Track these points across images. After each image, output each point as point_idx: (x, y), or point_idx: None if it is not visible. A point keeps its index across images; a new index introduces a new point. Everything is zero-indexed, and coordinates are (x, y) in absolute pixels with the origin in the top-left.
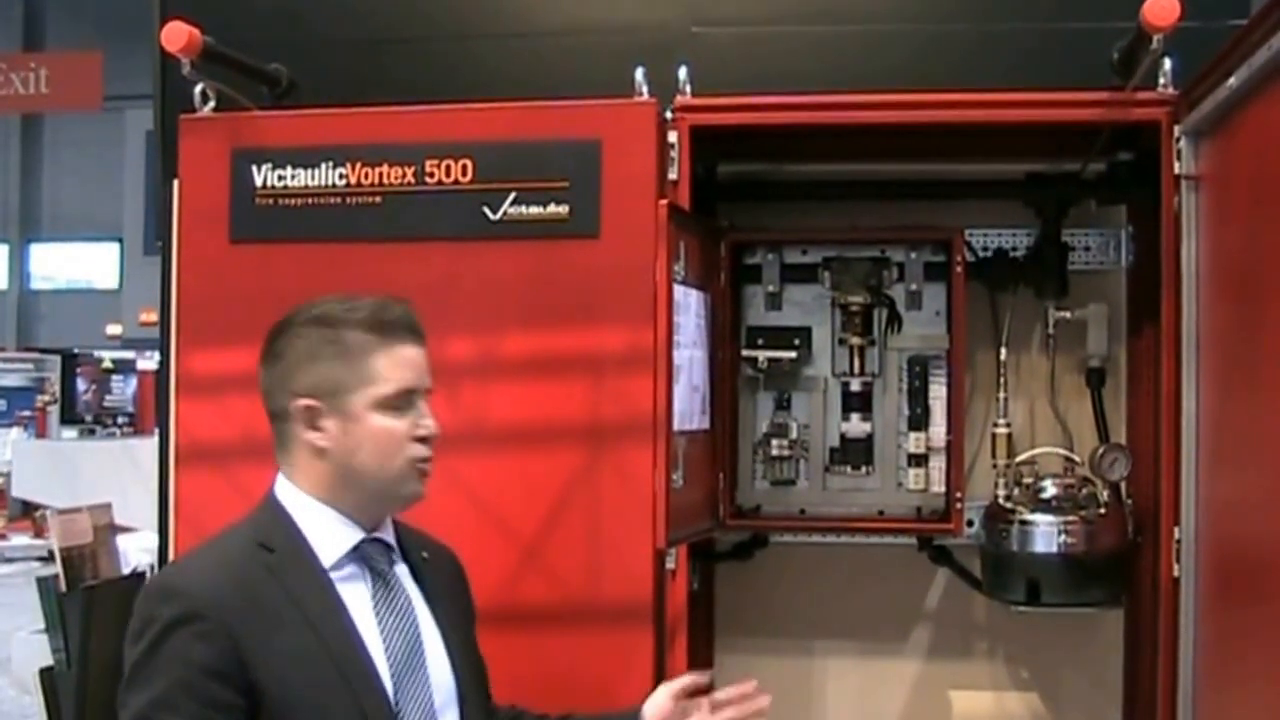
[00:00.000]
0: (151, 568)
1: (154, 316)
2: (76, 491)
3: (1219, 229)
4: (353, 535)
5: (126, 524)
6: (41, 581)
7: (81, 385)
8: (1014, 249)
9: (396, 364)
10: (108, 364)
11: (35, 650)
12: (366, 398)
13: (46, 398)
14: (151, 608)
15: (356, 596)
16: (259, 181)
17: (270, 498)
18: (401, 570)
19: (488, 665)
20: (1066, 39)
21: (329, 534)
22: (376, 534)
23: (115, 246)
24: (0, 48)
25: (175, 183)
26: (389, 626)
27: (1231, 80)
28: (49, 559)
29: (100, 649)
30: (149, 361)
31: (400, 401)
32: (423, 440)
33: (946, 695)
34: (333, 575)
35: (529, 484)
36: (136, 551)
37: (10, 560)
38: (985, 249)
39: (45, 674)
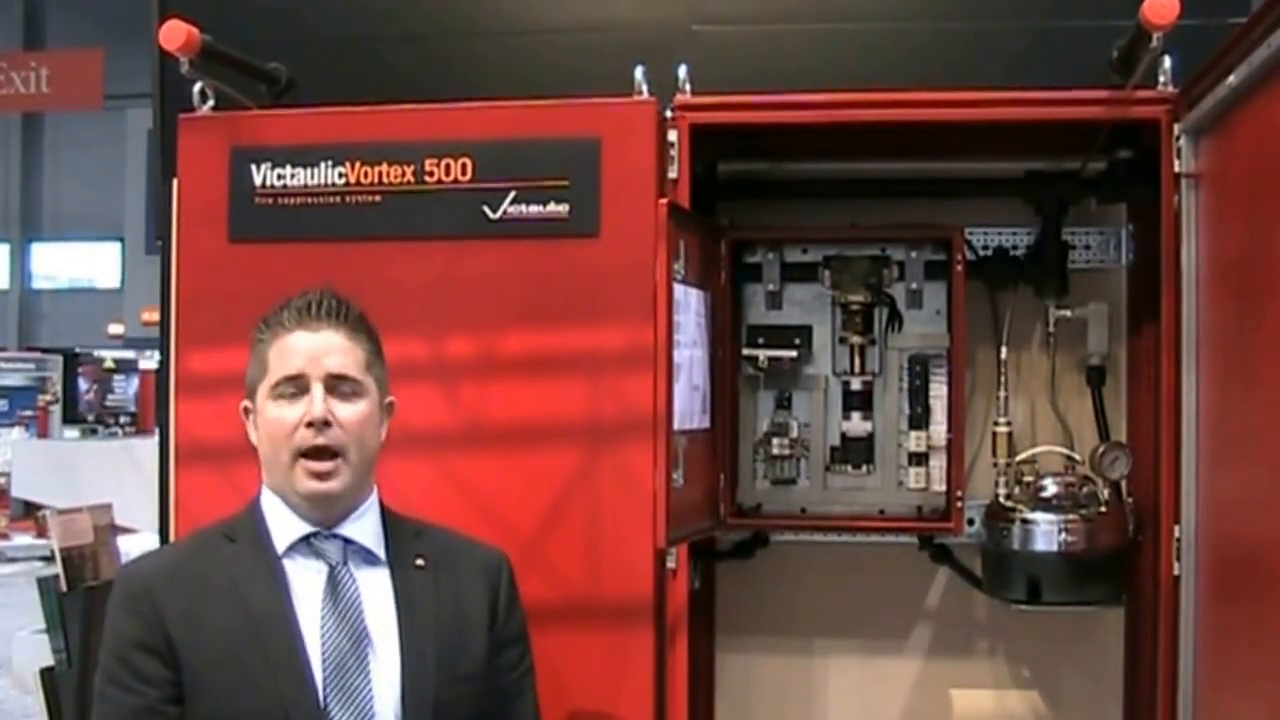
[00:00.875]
0: None
1: (156, 316)
2: (77, 492)
3: (1219, 227)
4: (301, 528)
5: (127, 524)
6: (42, 582)
7: (83, 385)
8: (1014, 247)
9: (282, 352)
10: (109, 364)
11: (36, 650)
12: (263, 390)
13: (48, 397)
14: (112, 592)
15: (308, 590)
16: (258, 181)
17: (255, 496)
18: (367, 570)
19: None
20: (1066, 37)
21: (283, 525)
22: (336, 529)
23: (117, 246)
24: (1, 46)
25: (174, 182)
26: (329, 624)
27: (1231, 78)
28: (52, 559)
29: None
30: (151, 361)
31: (288, 389)
32: (310, 426)
33: (947, 694)
34: (288, 565)
35: (528, 483)
36: (139, 553)
37: (13, 560)
38: (985, 247)
39: (46, 674)
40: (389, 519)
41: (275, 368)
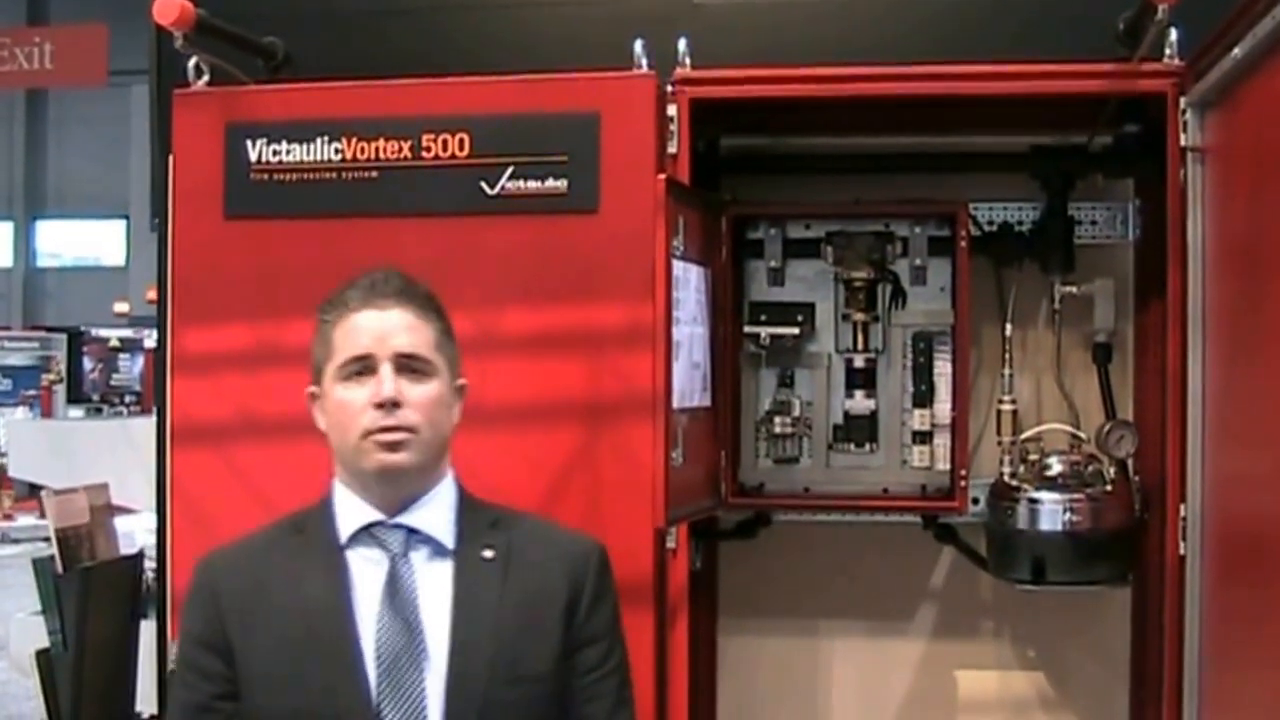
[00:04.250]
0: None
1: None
2: (75, 471)
3: (1225, 201)
4: (364, 516)
5: (125, 504)
6: (38, 563)
7: (88, 364)
8: (1019, 223)
9: (347, 333)
10: (114, 342)
11: (33, 632)
12: (330, 373)
13: (52, 376)
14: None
15: (369, 582)
16: (254, 157)
17: (329, 486)
18: (431, 562)
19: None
20: (1072, 10)
21: (349, 514)
22: (400, 518)
23: (122, 223)
24: (4, 22)
25: (170, 158)
26: (385, 619)
27: (1236, 51)
28: None
29: (97, 631)
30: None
31: (353, 369)
32: (379, 407)
33: (952, 675)
34: (350, 557)
35: (527, 462)
36: (143, 533)
37: (16, 541)
38: (990, 223)
39: (42, 656)
40: (467, 507)
41: (341, 348)
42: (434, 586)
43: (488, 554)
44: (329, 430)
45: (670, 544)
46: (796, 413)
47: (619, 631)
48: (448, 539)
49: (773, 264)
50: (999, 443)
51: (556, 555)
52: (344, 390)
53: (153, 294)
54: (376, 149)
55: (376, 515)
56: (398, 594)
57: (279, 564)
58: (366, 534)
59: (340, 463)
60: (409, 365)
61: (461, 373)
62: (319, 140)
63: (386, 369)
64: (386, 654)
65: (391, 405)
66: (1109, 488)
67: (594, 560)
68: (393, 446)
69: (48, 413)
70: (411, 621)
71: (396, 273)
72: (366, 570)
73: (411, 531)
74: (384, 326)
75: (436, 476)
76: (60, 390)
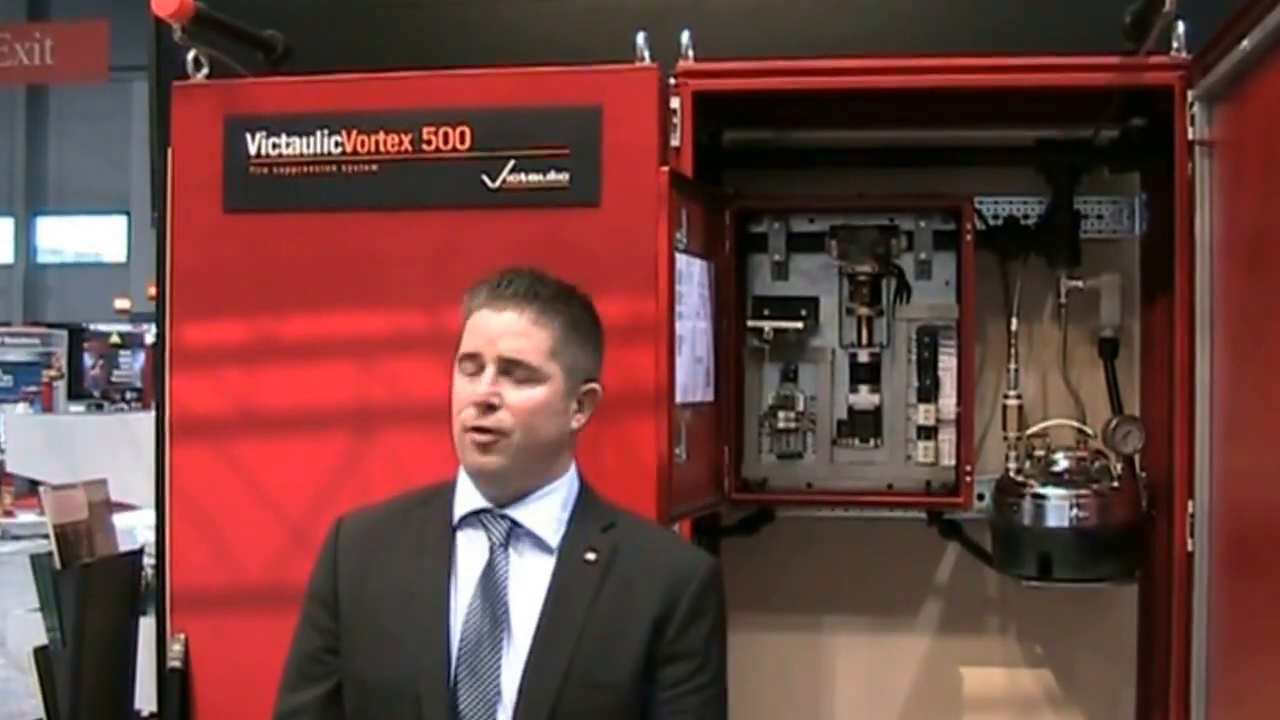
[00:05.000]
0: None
1: None
2: (73, 467)
3: (1233, 195)
4: (474, 502)
5: (125, 500)
6: (36, 559)
7: (89, 360)
8: (1025, 217)
9: (471, 326)
10: (115, 339)
11: (31, 628)
12: (456, 361)
13: (53, 373)
14: None
15: (472, 565)
16: (253, 150)
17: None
18: (532, 556)
19: None
20: (1078, 2)
21: (465, 496)
22: (506, 510)
23: (123, 219)
24: (5, 18)
25: (169, 152)
26: (476, 603)
27: (1245, 43)
28: None
29: (96, 628)
30: None
31: (467, 365)
32: (476, 406)
33: (957, 672)
34: (460, 538)
35: None
36: (143, 529)
37: (17, 538)
38: (996, 217)
39: (39, 653)
40: (584, 507)
41: (464, 341)
42: (530, 580)
43: (590, 556)
44: None
45: None
46: (800, 408)
47: (715, 652)
48: (551, 536)
49: (776, 258)
50: (1004, 438)
51: (660, 567)
52: (459, 381)
53: (154, 290)
54: (377, 142)
55: (485, 503)
56: (491, 582)
57: (399, 535)
58: (475, 519)
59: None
60: (513, 370)
61: (600, 376)
62: (319, 133)
63: (489, 371)
64: (469, 638)
65: (486, 408)
66: (1115, 484)
67: (699, 579)
68: (483, 448)
69: (48, 409)
70: (498, 610)
71: (528, 272)
72: (471, 554)
73: (515, 524)
74: (495, 328)
75: (550, 474)
76: (61, 386)
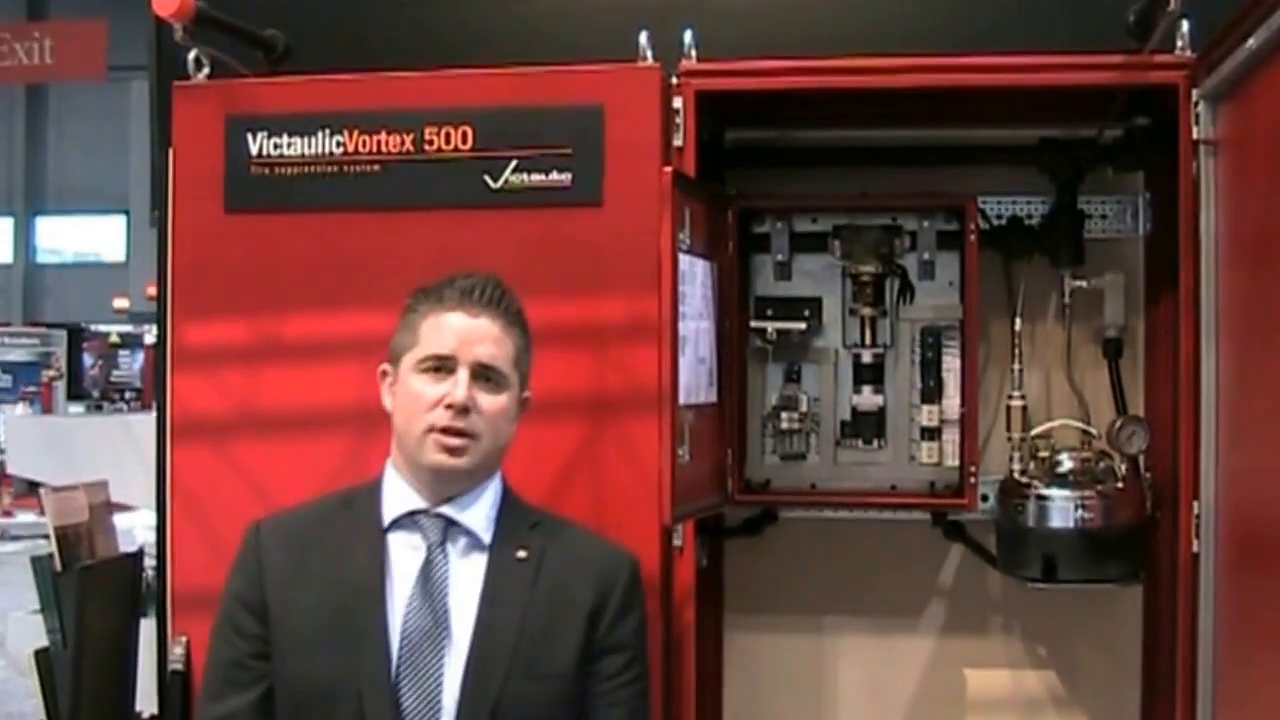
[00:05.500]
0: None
1: None
2: (73, 468)
3: (1238, 195)
4: (409, 503)
5: (125, 501)
6: (36, 561)
7: (88, 360)
8: (1029, 216)
9: (436, 329)
10: (115, 339)
11: (31, 630)
12: (410, 360)
13: (52, 373)
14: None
15: (407, 566)
16: (254, 150)
17: (383, 466)
18: (467, 555)
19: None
20: (1082, 1)
21: (395, 498)
22: (441, 509)
23: (122, 219)
24: (4, 17)
25: (169, 152)
26: (415, 603)
27: (1250, 42)
28: None
29: (96, 629)
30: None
31: (433, 365)
32: (449, 408)
33: (961, 673)
34: (391, 540)
35: (530, 458)
36: (144, 529)
37: (16, 538)
38: (999, 216)
39: (40, 655)
40: (509, 507)
41: (427, 342)
42: (466, 578)
43: (521, 554)
44: (395, 413)
45: (677, 542)
46: (803, 408)
47: (643, 646)
48: (485, 534)
49: (779, 258)
50: (1009, 439)
51: (588, 563)
52: (419, 382)
53: (153, 290)
54: (378, 142)
55: (420, 503)
56: (430, 581)
57: (324, 537)
58: (409, 519)
59: (399, 447)
60: (485, 374)
61: (529, 386)
62: (320, 133)
63: (464, 374)
64: (410, 636)
65: (461, 410)
66: (1120, 484)
67: (625, 573)
68: (453, 451)
69: (48, 409)
70: (438, 608)
71: (495, 279)
72: (405, 554)
73: (451, 523)
74: (471, 333)
75: (487, 477)
76: (60, 386)
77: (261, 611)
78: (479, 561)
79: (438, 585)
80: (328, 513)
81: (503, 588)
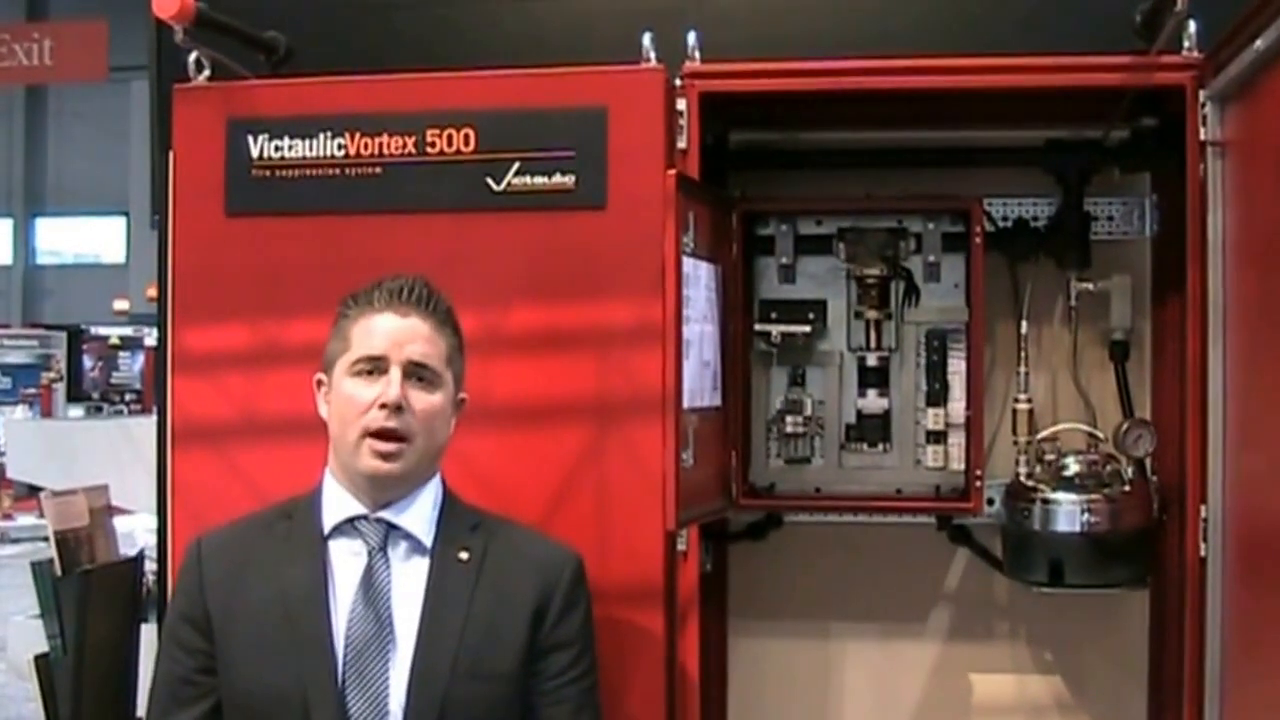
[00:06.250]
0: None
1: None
2: (73, 472)
3: (1246, 196)
4: (349, 509)
5: (125, 505)
6: (36, 566)
7: (88, 362)
8: (1035, 218)
9: (367, 331)
10: (114, 341)
11: (31, 635)
12: (343, 365)
13: (52, 375)
14: None
15: (348, 572)
16: (255, 152)
17: (321, 475)
18: (408, 558)
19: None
20: (1088, 1)
21: (335, 505)
22: (380, 514)
23: (122, 220)
24: (3, 18)
25: (170, 154)
26: (358, 609)
27: (1258, 43)
28: None
29: (97, 634)
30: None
31: (366, 368)
32: (383, 408)
33: (967, 678)
34: (332, 547)
35: (534, 462)
36: (144, 533)
37: (16, 541)
38: (1005, 219)
39: (41, 660)
40: (449, 509)
41: (358, 345)
42: (408, 582)
43: (463, 555)
44: (330, 419)
45: (681, 546)
46: (808, 412)
47: (589, 641)
48: (426, 537)
49: (784, 261)
50: (1014, 442)
51: (530, 562)
52: (352, 385)
53: (153, 292)
54: (380, 145)
55: (359, 509)
56: (372, 586)
57: (265, 548)
58: (349, 526)
59: (335, 454)
60: (418, 374)
61: (464, 387)
62: (322, 136)
63: (396, 373)
64: (355, 643)
65: (395, 409)
66: (1127, 488)
67: (568, 571)
68: (388, 456)
69: (48, 411)
70: (382, 613)
71: (423, 281)
72: (346, 561)
73: (391, 527)
74: (402, 332)
75: (424, 479)
76: (60, 389)
77: (205, 626)
78: (421, 565)
79: (380, 591)
80: (267, 524)
81: (445, 590)
